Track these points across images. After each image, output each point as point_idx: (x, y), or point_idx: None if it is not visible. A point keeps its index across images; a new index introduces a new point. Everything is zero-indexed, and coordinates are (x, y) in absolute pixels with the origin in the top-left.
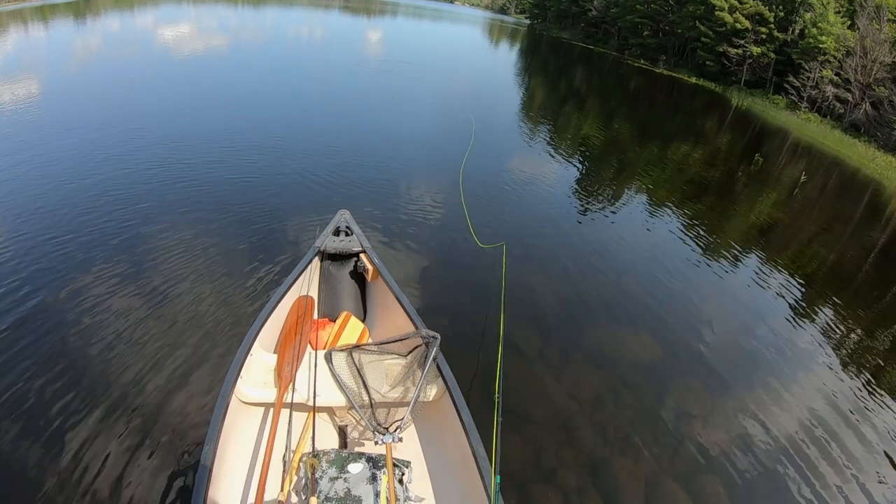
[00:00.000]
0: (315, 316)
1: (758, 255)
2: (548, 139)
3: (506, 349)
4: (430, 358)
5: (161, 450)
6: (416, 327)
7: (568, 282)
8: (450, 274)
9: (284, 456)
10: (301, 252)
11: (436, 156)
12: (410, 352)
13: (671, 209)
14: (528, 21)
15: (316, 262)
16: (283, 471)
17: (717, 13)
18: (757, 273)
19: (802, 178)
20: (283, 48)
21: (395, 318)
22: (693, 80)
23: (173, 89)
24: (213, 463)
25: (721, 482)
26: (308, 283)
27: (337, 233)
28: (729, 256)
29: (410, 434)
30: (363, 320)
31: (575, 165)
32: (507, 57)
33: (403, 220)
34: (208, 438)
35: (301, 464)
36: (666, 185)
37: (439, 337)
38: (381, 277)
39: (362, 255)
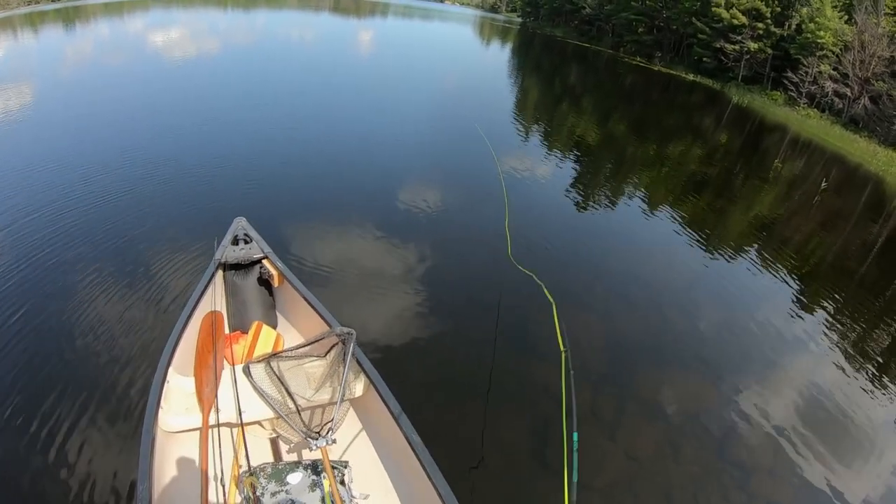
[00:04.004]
0: (226, 331)
1: (819, 286)
2: (559, 142)
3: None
4: (349, 354)
5: (96, 496)
6: (330, 326)
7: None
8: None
9: (221, 479)
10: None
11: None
12: (328, 351)
13: (686, 221)
14: (519, 19)
15: (219, 275)
16: (223, 495)
17: (713, 9)
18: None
19: (823, 184)
20: (258, 55)
21: (307, 321)
22: (690, 76)
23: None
24: (150, 502)
25: None
26: (214, 298)
27: (236, 242)
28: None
29: (343, 433)
30: (275, 327)
31: (575, 167)
32: (499, 56)
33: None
34: (140, 477)
35: (240, 484)
36: (684, 196)
37: (354, 332)
38: (286, 281)
39: (265, 261)
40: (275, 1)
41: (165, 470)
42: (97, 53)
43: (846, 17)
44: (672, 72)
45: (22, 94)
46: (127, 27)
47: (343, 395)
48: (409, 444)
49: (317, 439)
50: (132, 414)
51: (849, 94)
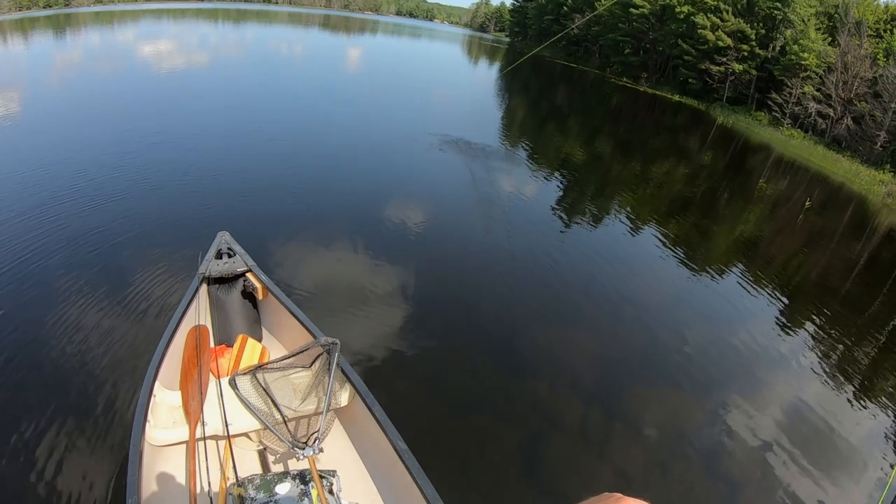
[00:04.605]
0: (211, 344)
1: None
2: (539, 160)
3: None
4: (334, 364)
5: None
6: (315, 337)
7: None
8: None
9: (209, 492)
10: (186, 279)
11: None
12: (313, 362)
13: (671, 240)
14: (507, 39)
15: (203, 289)
16: None
17: (699, 31)
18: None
19: (807, 204)
20: (245, 69)
21: (292, 332)
22: (676, 97)
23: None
24: None
25: None
26: (198, 312)
27: (219, 256)
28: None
29: (331, 443)
30: (261, 340)
31: (562, 186)
32: (487, 74)
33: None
34: (129, 492)
35: (228, 496)
36: (670, 215)
37: (339, 343)
38: (271, 294)
39: (248, 275)
40: (265, 16)
41: (153, 484)
42: (86, 62)
43: (829, 38)
44: (658, 92)
45: (9, 100)
46: (117, 37)
47: (329, 405)
48: (396, 451)
49: (304, 449)
50: (119, 428)
51: (832, 114)
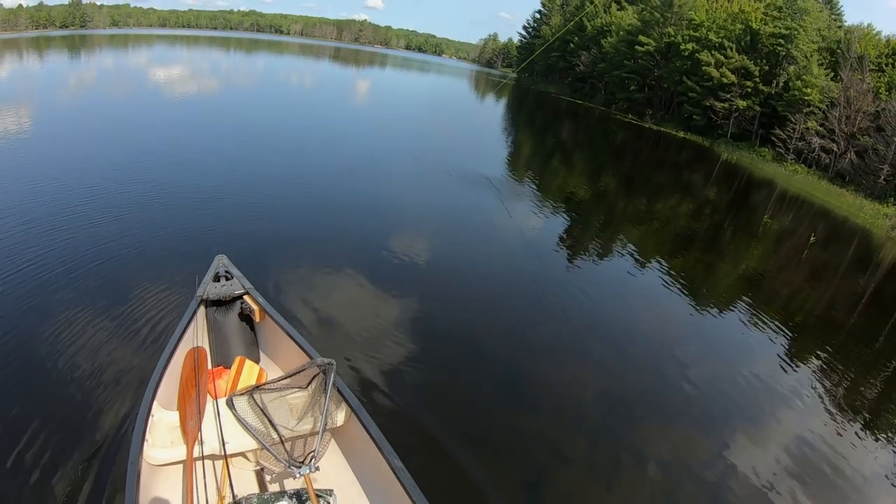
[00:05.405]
0: (209, 366)
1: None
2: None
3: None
4: (330, 384)
5: None
6: (311, 358)
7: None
8: None
9: None
10: (184, 301)
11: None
12: (310, 382)
13: (677, 276)
14: (514, 74)
15: (201, 311)
16: None
17: (703, 68)
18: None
19: (811, 239)
20: (252, 95)
21: (289, 354)
22: (680, 133)
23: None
24: None
25: None
26: (196, 334)
27: (217, 278)
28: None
29: (327, 462)
30: (258, 362)
31: (566, 221)
32: (494, 110)
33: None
34: None
35: None
36: (675, 251)
37: (335, 363)
38: (268, 316)
39: (246, 297)
40: (276, 46)
41: (151, 503)
42: (98, 82)
43: (832, 74)
44: (663, 129)
45: (22, 116)
46: (129, 60)
47: (325, 425)
48: (392, 470)
49: (300, 468)
50: (116, 447)
51: (835, 149)
